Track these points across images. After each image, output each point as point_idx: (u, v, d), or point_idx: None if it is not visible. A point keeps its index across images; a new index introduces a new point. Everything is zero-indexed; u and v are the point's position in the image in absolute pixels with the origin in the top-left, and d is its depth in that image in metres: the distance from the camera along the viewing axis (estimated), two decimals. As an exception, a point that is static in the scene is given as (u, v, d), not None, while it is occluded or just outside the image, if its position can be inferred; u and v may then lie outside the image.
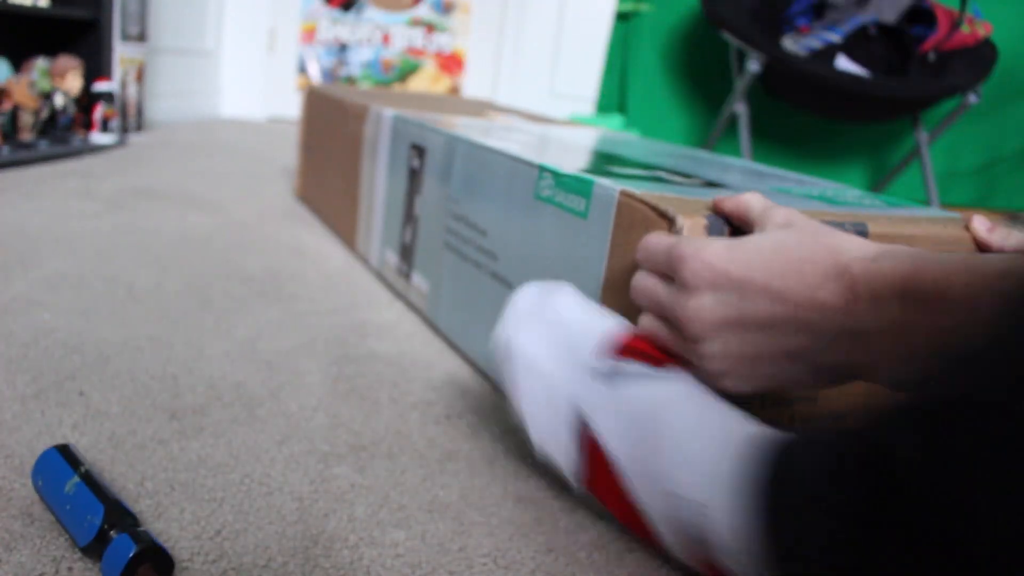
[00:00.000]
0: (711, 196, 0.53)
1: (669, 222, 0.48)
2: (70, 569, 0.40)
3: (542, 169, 0.61)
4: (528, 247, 0.63)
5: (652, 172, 0.64)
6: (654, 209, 0.49)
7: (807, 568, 0.32)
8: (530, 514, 0.50)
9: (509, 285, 0.65)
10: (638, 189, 0.52)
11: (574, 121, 1.41)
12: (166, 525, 0.44)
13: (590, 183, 0.55)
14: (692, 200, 0.52)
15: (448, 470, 0.54)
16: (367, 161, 0.99)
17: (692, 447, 0.40)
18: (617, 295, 0.52)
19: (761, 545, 0.34)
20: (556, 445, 0.48)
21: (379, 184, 0.95)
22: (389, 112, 0.93)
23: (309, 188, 1.29)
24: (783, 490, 0.34)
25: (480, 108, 1.26)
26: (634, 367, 0.45)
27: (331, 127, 1.15)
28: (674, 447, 0.41)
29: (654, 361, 0.45)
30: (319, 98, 1.24)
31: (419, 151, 0.83)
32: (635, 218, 0.50)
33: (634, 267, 0.49)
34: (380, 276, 0.96)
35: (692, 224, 0.47)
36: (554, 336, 0.49)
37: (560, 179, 0.59)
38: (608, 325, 0.48)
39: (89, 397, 0.58)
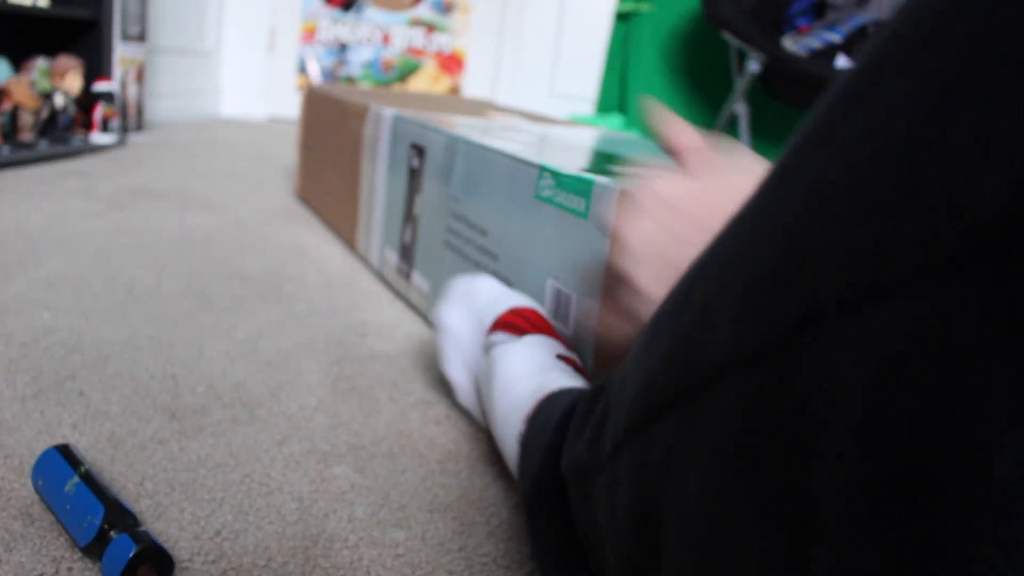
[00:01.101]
0: None
1: None
2: (70, 569, 0.40)
3: (542, 169, 0.61)
4: (528, 247, 0.62)
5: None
6: None
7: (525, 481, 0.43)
8: (530, 514, 0.50)
9: (510, 285, 0.65)
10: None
11: (575, 121, 1.41)
12: (166, 525, 0.44)
13: (590, 183, 0.55)
14: None
15: (448, 470, 0.54)
16: (367, 161, 0.99)
17: (508, 393, 0.51)
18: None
19: (519, 466, 0.45)
20: (472, 403, 0.60)
21: (379, 184, 0.95)
22: (389, 112, 0.93)
23: (309, 188, 1.29)
24: (530, 427, 0.45)
25: (481, 108, 1.26)
26: (500, 337, 0.55)
27: (331, 127, 1.15)
28: (498, 392, 0.51)
29: (516, 331, 0.55)
30: (319, 98, 1.24)
31: (419, 151, 0.83)
32: None
33: None
34: (380, 276, 0.96)
35: None
36: (471, 316, 0.60)
37: (560, 179, 0.59)
38: (502, 307, 0.58)
39: (89, 397, 0.58)
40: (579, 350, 0.56)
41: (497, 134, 0.82)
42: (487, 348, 0.57)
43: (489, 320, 0.58)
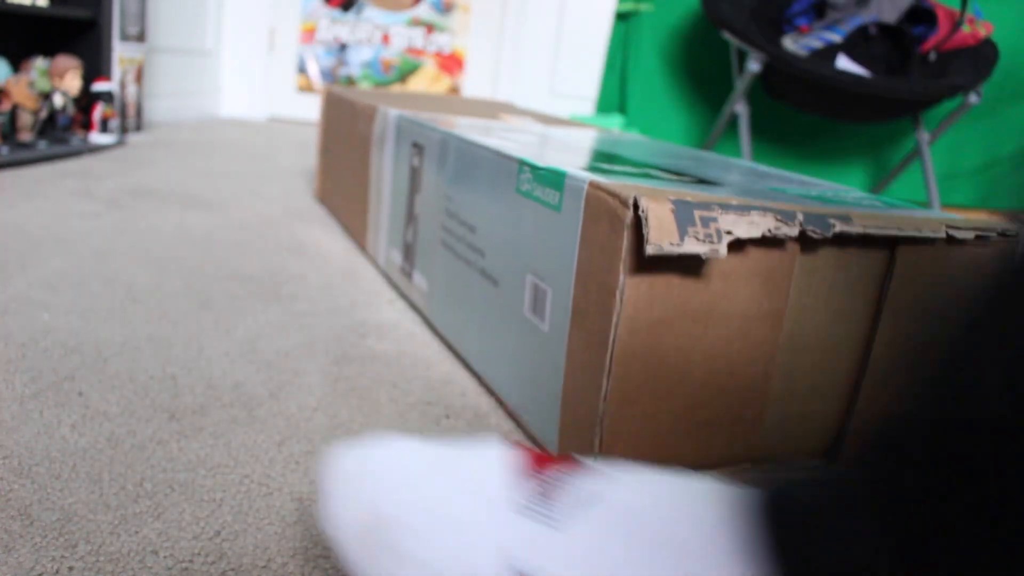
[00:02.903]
0: (698, 191, 0.53)
1: (632, 208, 0.46)
2: (71, 569, 0.40)
3: (521, 163, 0.60)
4: (510, 243, 0.62)
5: (644, 170, 0.63)
6: (617, 197, 0.48)
7: None
8: (531, 515, 0.50)
9: (495, 282, 0.64)
10: (622, 182, 0.51)
11: (590, 122, 1.41)
12: (165, 525, 0.44)
13: (563, 175, 0.54)
14: (666, 190, 0.50)
15: (448, 470, 0.54)
16: (375, 160, 0.99)
17: (692, 539, 0.32)
18: (587, 290, 0.51)
19: None
20: None
21: (386, 183, 0.95)
22: (395, 111, 0.93)
23: (327, 189, 1.30)
24: (796, 538, 0.31)
25: (497, 109, 1.26)
26: (568, 479, 0.35)
27: (345, 128, 1.16)
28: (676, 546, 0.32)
29: (566, 465, 0.37)
30: (336, 100, 1.24)
31: (419, 149, 0.83)
32: (601, 209, 0.49)
33: (603, 260, 0.48)
34: (386, 276, 0.96)
35: (657, 207, 0.46)
36: (442, 485, 0.36)
37: (537, 173, 0.58)
38: (488, 458, 0.37)
39: (88, 397, 0.58)
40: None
41: (498, 134, 0.81)
42: (541, 500, 0.35)
43: (492, 477, 0.36)
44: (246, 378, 0.64)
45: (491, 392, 0.66)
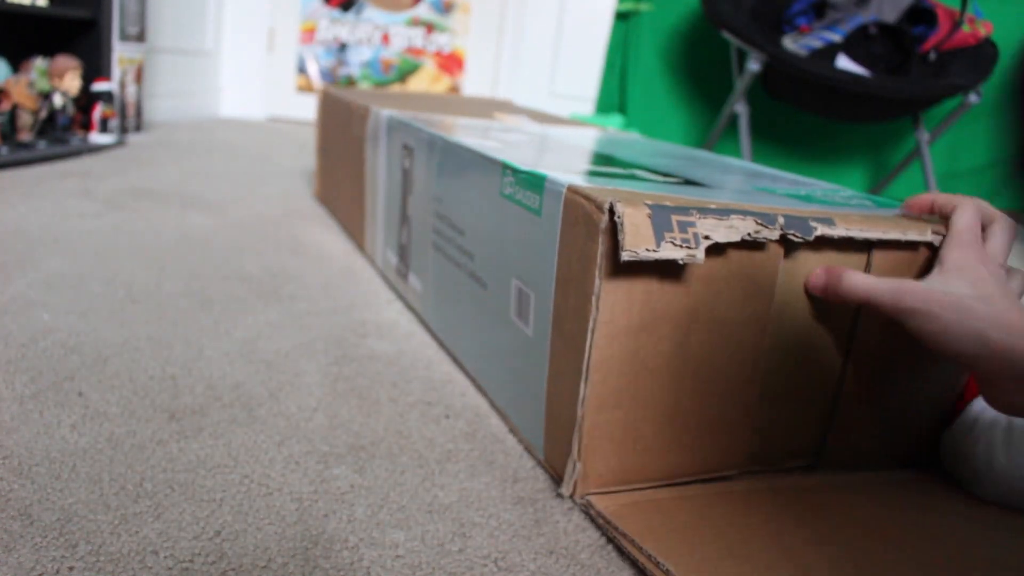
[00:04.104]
0: (685, 194, 0.52)
1: (608, 212, 0.45)
2: (71, 569, 0.40)
3: (504, 167, 0.60)
4: (496, 246, 0.62)
5: (630, 171, 0.63)
6: (593, 202, 0.47)
7: None
8: (530, 515, 0.50)
9: (484, 285, 0.64)
10: (602, 185, 0.51)
11: (589, 122, 1.41)
12: (165, 526, 0.44)
13: (542, 179, 0.54)
14: (646, 194, 0.49)
15: (448, 470, 0.54)
16: (370, 161, 0.99)
17: None
18: (567, 295, 0.50)
19: None
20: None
21: (380, 184, 0.95)
22: (386, 112, 0.93)
23: (325, 190, 1.30)
24: None
25: (492, 108, 1.26)
26: None
27: (341, 128, 1.16)
28: None
29: None
30: (332, 100, 1.24)
31: (409, 151, 0.83)
32: (578, 213, 0.48)
33: (580, 265, 0.48)
34: (384, 276, 0.96)
35: (633, 212, 0.45)
36: None
37: (519, 176, 0.57)
38: None
39: (88, 398, 0.58)
40: None
41: (491, 134, 0.81)
42: None
43: None
44: (246, 378, 0.64)
45: (485, 393, 0.66)
